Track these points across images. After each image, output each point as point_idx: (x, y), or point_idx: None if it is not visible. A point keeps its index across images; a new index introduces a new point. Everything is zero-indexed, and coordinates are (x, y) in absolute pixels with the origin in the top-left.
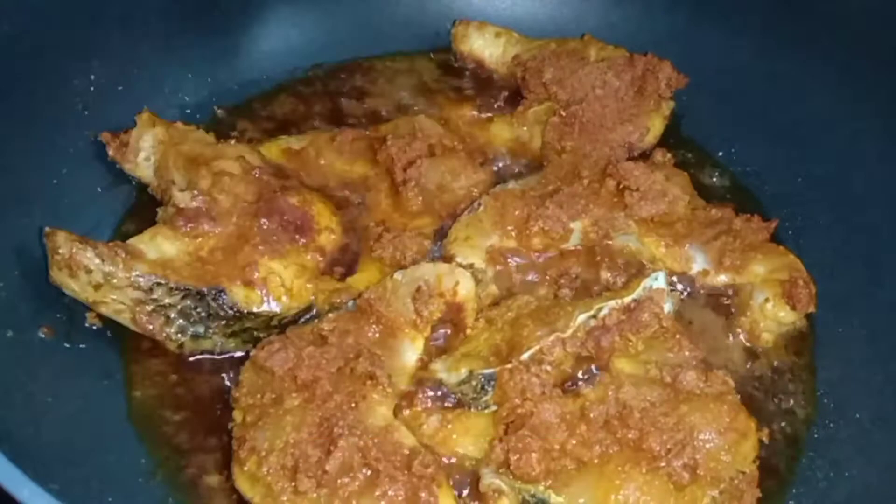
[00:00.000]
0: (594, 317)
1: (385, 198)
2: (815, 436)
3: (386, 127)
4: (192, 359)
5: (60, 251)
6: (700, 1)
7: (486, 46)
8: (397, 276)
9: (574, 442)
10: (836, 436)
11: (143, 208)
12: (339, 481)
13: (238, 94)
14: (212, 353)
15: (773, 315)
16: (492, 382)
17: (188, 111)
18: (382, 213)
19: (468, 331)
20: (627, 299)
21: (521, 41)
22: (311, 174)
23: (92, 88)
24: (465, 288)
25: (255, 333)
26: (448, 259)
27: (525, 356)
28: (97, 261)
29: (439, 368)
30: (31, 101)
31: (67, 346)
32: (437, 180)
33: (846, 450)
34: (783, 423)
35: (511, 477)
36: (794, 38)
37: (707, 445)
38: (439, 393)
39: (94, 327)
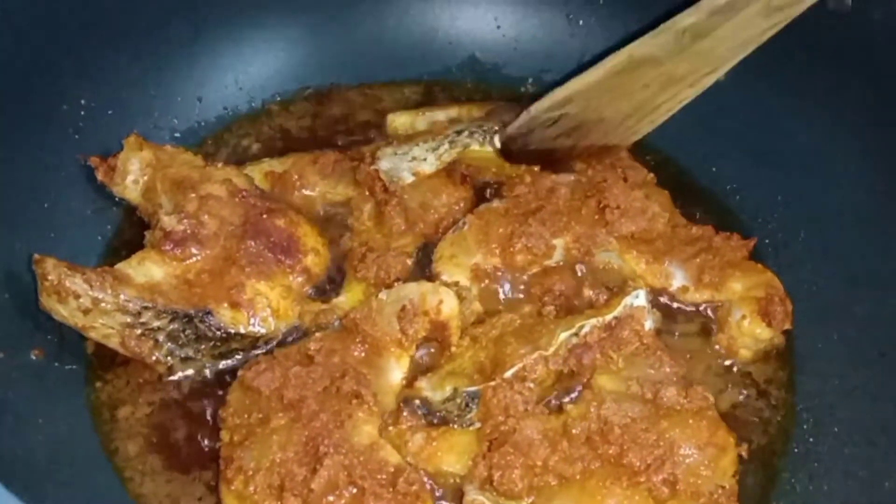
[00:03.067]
0: (576, 334)
1: (368, 219)
2: (795, 450)
3: (367, 148)
4: (177, 379)
5: (49, 277)
6: None
7: None
8: (382, 295)
9: (556, 458)
10: (816, 450)
11: (133, 231)
12: (324, 500)
13: (227, 117)
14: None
15: (749, 332)
16: (476, 400)
17: (177, 134)
18: (365, 233)
19: (453, 349)
20: (609, 317)
21: None
22: (293, 196)
23: (82, 112)
24: (449, 306)
25: (241, 354)
26: (434, 277)
27: (508, 374)
28: (86, 286)
29: (424, 386)
30: (20, 124)
31: (58, 366)
32: (419, 199)
33: (825, 464)
34: (762, 438)
35: (494, 493)
36: (774, 59)
37: (687, 460)
38: (424, 410)
39: (88, 350)
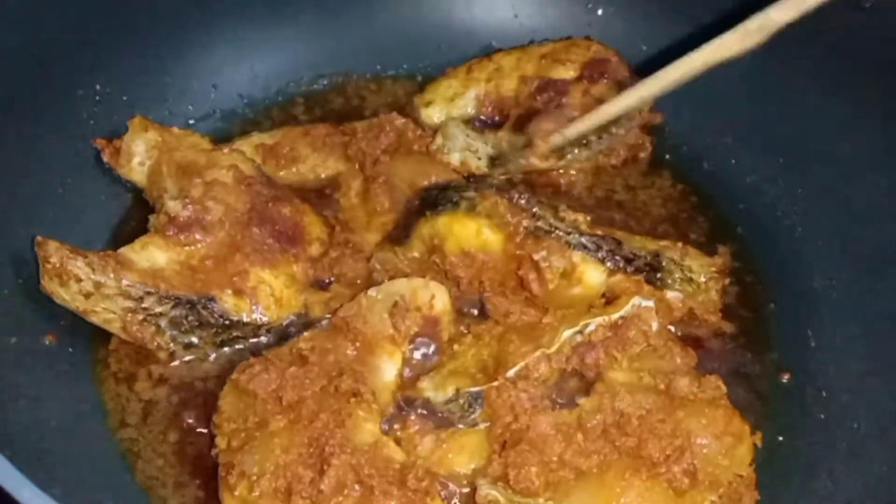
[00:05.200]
0: (580, 332)
1: (355, 195)
2: (813, 445)
3: (359, 123)
4: (181, 364)
5: (51, 260)
6: (700, 16)
7: None
8: (372, 292)
9: (571, 452)
10: (834, 445)
11: (142, 215)
12: (333, 500)
13: (241, 104)
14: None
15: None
16: (479, 400)
17: (191, 121)
18: (349, 209)
19: (455, 346)
20: (615, 316)
21: None
22: (285, 169)
23: (97, 98)
24: (441, 301)
25: (243, 342)
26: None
27: (511, 373)
28: (87, 270)
29: (426, 387)
30: (35, 110)
31: (71, 351)
32: (408, 178)
33: (844, 459)
34: (780, 432)
35: (511, 491)
36: (795, 52)
37: (704, 450)
38: (427, 412)
39: (100, 335)
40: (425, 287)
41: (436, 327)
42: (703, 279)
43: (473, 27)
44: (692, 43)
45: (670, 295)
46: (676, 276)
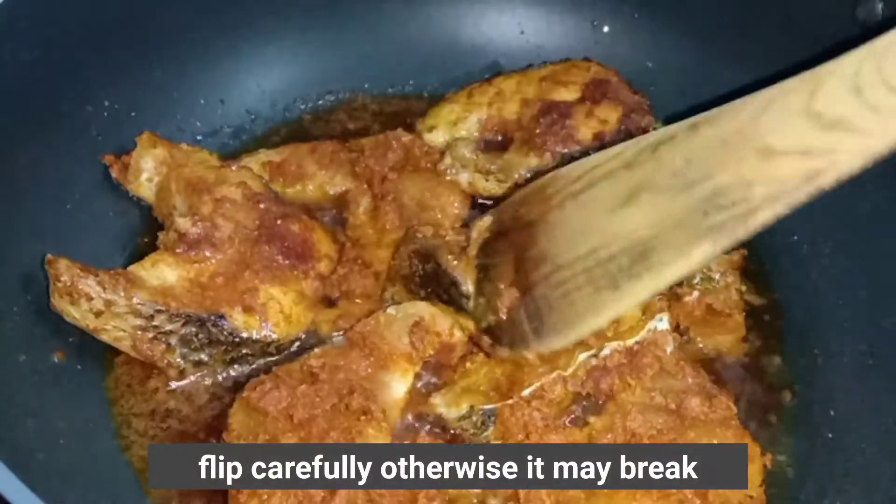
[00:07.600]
0: (595, 356)
1: (364, 213)
2: (822, 464)
3: (366, 140)
4: (189, 383)
5: (62, 279)
6: (706, 33)
7: None
8: (391, 310)
9: None
10: (843, 464)
11: (155, 235)
12: None
13: (248, 120)
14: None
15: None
16: (492, 418)
17: (199, 137)
18: (359, 228)
19: (468, 364)
20: (630, 342)
21: None
22: (292, 186)
23: (105, 114)
24: (460, 332)
25: (252, 360)
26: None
27: (526, 392)
28: (98, 288)
29: (439, 403)
30: (44, 126)
31: (80, 368)
32: (416, 196)
33: (852, 478)
34: (789, 451)
35: None
36: (801, 68)
37: None
38: (439, 429)
39: (109, 352)
40: (443, 315)
41: (450, 353)
42: (717, 276)
43: (480, 44)
44: (698, 61)
45: (687, 299)
46: (697, 275)
